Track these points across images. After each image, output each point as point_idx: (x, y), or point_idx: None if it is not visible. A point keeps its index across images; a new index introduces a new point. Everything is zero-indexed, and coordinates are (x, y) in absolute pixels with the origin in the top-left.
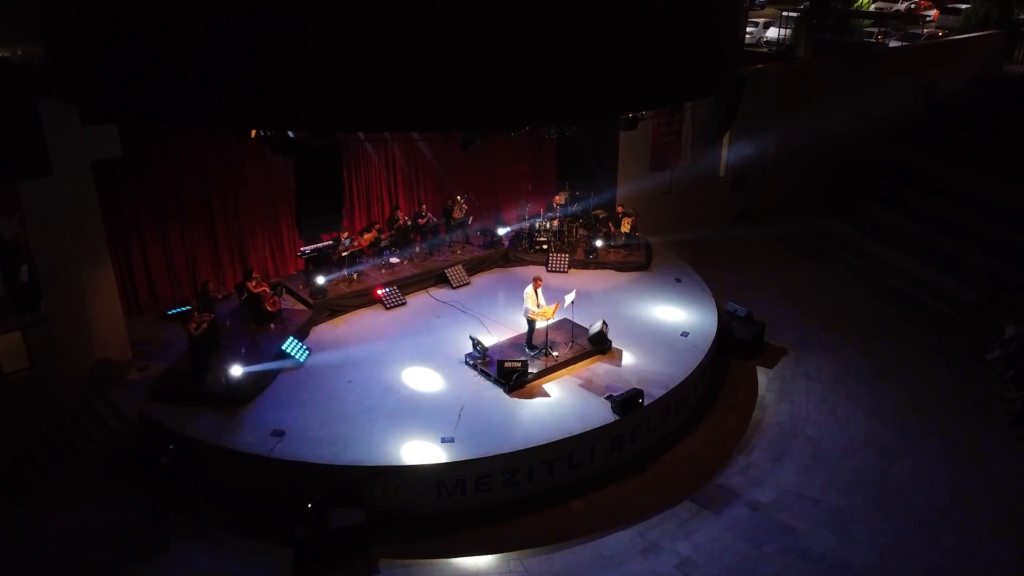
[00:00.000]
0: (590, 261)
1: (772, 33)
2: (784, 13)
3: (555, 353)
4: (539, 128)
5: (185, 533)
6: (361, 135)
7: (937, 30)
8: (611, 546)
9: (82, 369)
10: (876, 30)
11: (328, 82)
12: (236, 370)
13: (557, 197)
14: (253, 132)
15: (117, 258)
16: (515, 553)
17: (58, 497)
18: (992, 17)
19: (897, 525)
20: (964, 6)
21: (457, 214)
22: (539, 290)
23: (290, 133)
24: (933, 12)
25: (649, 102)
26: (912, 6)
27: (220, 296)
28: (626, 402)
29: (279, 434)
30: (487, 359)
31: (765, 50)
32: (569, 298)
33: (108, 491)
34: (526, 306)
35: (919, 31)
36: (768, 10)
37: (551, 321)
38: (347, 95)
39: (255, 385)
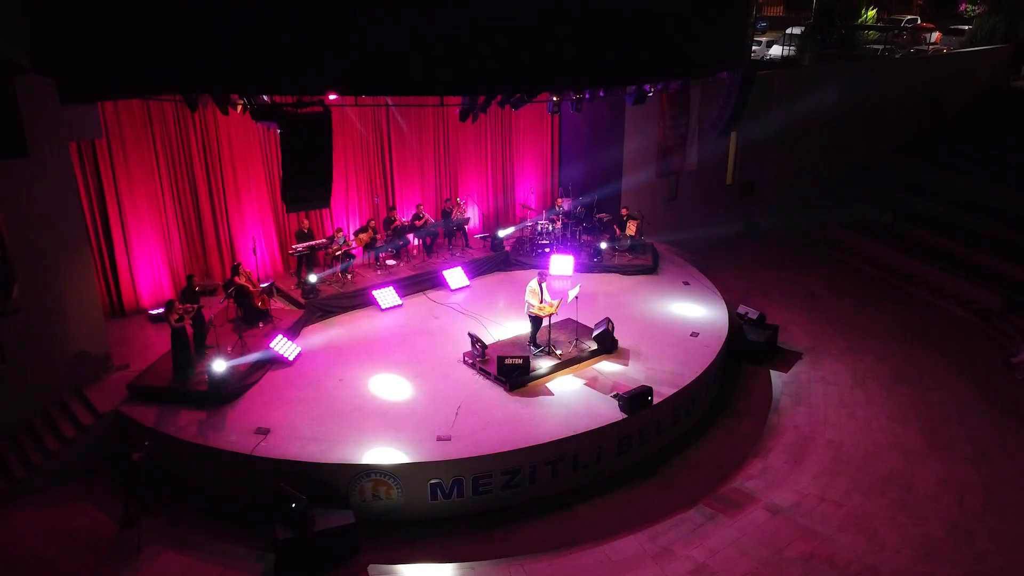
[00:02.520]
0: (594, 264)
1: (775, 51)
2: (788, 30)
3: (558, 352)
4: (541, 122)
5: (160, 537)
6: (335, 96)
7: (942, 47)
8: (620, 551)
9: (56, 365)
10: (881, 47)
11: (315, 40)
12: (220, 366)
13: (560, 199)
14: (240, 105)
15: (99, 252)
16: (516, 559)
17: (27, 499)
18: (999, 31)
19: (927, 529)
20: (965, 27)
21: (456, 215)
22: (544, 285)
23: (265, 97)
24: (936, 34)
25: (661, 73)
26: (913, 28)
27: (203, 287)
28: (634, 399)
29: (263, 432)
30: (486, 357)
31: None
32: (573, 293)
33: (80, 493)
34: (528, 301)
35: (924, 47)
36: (770, 31)
37: (554, 319)
38: (336, 54)
39: (240, 383)
